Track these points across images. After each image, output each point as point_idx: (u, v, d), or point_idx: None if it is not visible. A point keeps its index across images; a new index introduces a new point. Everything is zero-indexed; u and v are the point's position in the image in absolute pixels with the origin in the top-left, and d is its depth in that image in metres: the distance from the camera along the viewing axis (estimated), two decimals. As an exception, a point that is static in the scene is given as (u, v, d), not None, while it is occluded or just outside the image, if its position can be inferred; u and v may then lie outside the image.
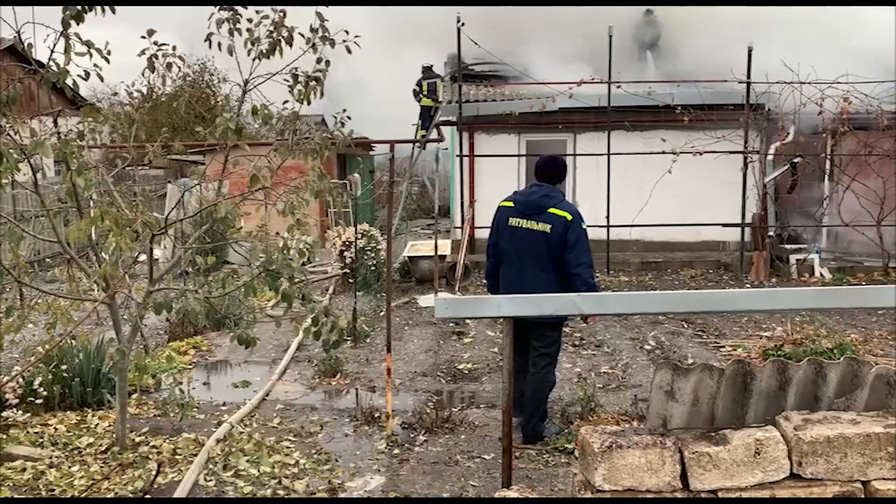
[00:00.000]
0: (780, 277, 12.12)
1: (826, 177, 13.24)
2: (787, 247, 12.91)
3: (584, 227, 5.16)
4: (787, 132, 12.36)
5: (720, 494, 2.48)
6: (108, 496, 4.50)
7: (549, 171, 5.37)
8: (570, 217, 5.12)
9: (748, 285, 11.64)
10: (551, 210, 5.17)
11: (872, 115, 11.84)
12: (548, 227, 5.13)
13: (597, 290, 5.26)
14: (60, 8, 4.29)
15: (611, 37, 12.16)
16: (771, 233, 12.80)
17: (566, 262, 5.09)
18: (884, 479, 2.50)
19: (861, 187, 12.32)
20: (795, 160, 12.78)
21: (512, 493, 2.67)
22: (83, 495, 4.48)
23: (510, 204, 5.39)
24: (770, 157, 12.64)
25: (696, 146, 11.85)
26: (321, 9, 4.99)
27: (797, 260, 12.34)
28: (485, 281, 6.14)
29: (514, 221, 5.29)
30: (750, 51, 12.03)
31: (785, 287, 10.84)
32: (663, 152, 11.89)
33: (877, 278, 11.90)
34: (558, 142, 13.79)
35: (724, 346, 8.08)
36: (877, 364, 2.85)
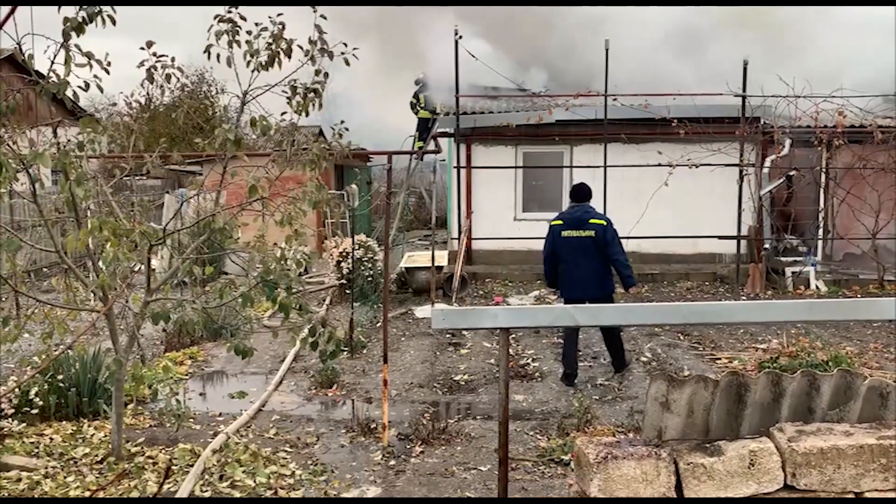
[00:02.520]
0: (776, 290, 12.15)
1: (821, 190, 13.31)
2: (783, 259, 12.96)
3: (614, 227, 7.24)
4: (782, 145, 12.42)
5: (715, 505, 2.49)
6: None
7: (582, 194, 7.44)
8: (605, 223, 7.22)
9: (744, 297, 11.67)
10: (591, 220, 7.21)
11: (867, 127, 11.91)
12: (592, 233, 7.15)
13: (631, 269, 7.33)
14: (61, 19, 4.32)
15: (607, 50, 12.24)
16: (766, 245, 12.84)
17: (609, 253, 7.14)
18: (877, 490, 2.51)
19: (856, 200, 12.39)
20: (791, 173, 12.85)
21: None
22: None
23: (560, 222, 7.37)
24: (766, 170, 12.70)
25: (693, 159, 11.91)
26: (320, 20, 5.04)
27: (793, 272, 12.38)
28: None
29: (566, 233, 7.26)
30: (745, 64, 12.11)
31: (780, 299, 10.87)
32: (659, 165, 11.94)
33: (872, 291, 11.94)
34: (555, 154, 13.86)
35: (719, 359, 8.10)
36: (871, 376, 2.87)
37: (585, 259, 7.15)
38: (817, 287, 12.15)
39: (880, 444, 2.51)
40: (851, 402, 2.71)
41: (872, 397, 2.71)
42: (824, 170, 13.15)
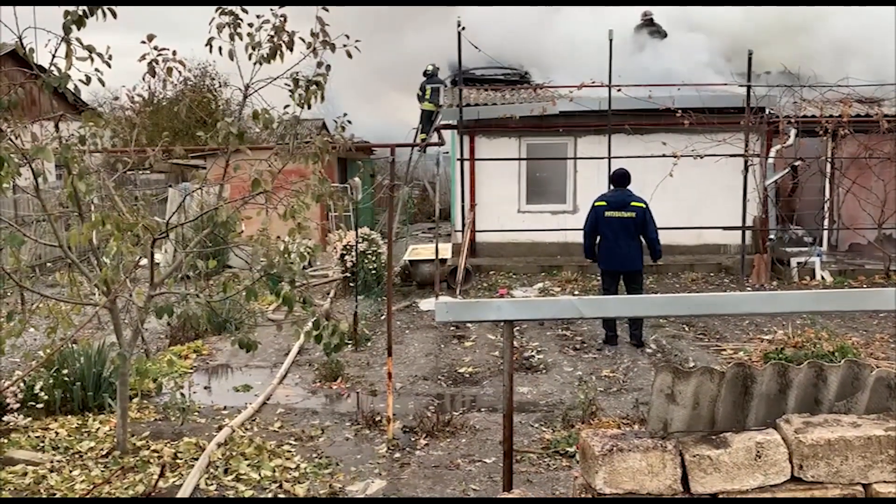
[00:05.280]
0: (782, 280, 12.11)
1: (827, 180, 13.24)
2: (788, 250, 12.92)
3: (650, 209, 8.18)
4: (787, 135, 12.36)
5: (721, 497, 2.47)
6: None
7: (623, 179, 8.32)
8: (644, 206, 8.13)
9: (749, 288, 11.64)
10: (632, 203, 8.09)
11: (873, 117, 11.84)
12: (633, 214, 8.05)
13: (660, 245, 8.30)
14: (62, 13, 4.31)
15: (611, 40, 12.18)
16: (772, 236, 12.79)
17: (647, 231, 8.09)
18: (885, 482, 2.49)
19: (862, 190, 12.32)
20: (796, 163, 12.78)
21: (513, 496, 2.67)
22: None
23: (604, 203, 8.23)
24: (771, 161, 12.64)
25: (697, 149, 11.85)
26: (322, 13, 5.01)
27: (798, 263, 12.33)
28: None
29: (609, 213, 8.10)
30: (750, 54, 12.04)
31: (786, 290, 10.84)
32: (664, 155, 11.89)
33: (878, 281, 11.89)
34: (559, 145, 13.80)
35: (725, 350, 8.08)
36: (878, 367, 2.85)
37: (626, 237, 8.07)
38: (823, 277, 12.10)
39: (888, 435, 2.49)
40: (859, 393, 2.69)
41: (880, 388, 2.69)
42: (830, 160, 13.08)
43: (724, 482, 2.46)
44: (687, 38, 15.15)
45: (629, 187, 8.28)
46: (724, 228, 12.64)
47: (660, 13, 16.09)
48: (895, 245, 12.61)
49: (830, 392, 2.70)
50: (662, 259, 8.53)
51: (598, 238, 8.25)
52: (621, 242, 8.08)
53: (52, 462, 5.01)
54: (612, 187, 8.42)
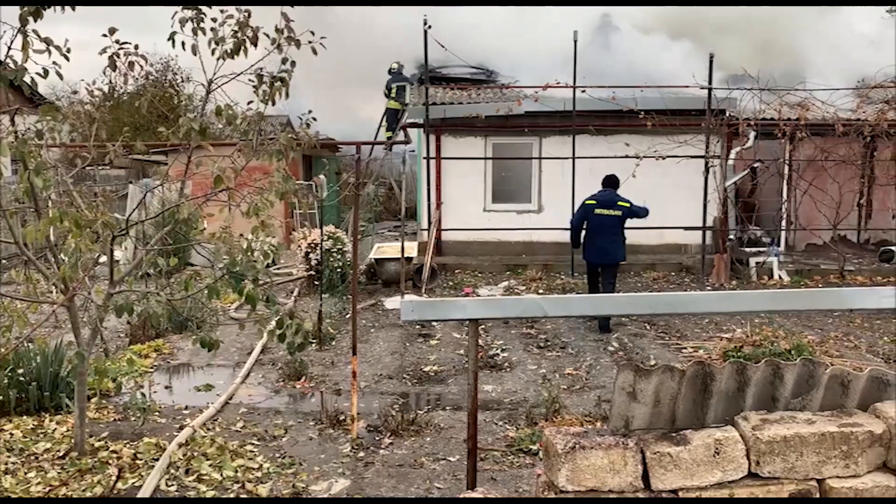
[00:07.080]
0: (741, 280, 12.35)
1: (785, 182, 13.53)
2: (747, 250, 13.17)
3: (635, 204, 9.06)
4: (746, 138, 12.60)
5: (681, 494, 2.51)
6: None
7: (612, 182, 9.21)
8: (629, 204, 9.02)
9: (709, 288, 11.84)
10: (619, 203, 8.99)
11: (829, 120, 12.13)
12: (619, 212, 8.96)
13: (646, 210, 9.22)
14: (18, 5, 4.21)
15: (576, 41, 12.28)
16: (731, 236, 13.03)
17: (638, 215, 9.05)
18: (838, 476, 2.56)
19: (818, 192, 12.62)
20: (755, 165, 13.04)
21: (476, 495, 2.69)
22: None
23: (593, 201, 9.08)
24: (731, 162, 12.87)
25: (659, 150, 12.02)
26: (286, 8, 4.96)
27: (757, 263, 12.59)
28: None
29: (597, 211, 8.98)
30: (711, 57, 12.24)
31: (744, 289, 11.06)
32: (627, 156, 12.04)
33: (832, 281, 12.19)
34: (524, 145, 13.88)
35: (685, 348, 8.21)
36: (832, 365, 2.92)
37: (612, 233, 8.92)
38: (780, 277, 12.37)
39: (841, 431, 2.56)
40: (814, 390, 2.76)
41: (834, 386, 2.76)
42: (787, 162, 13.37)
43: (683, 479, 2.51)
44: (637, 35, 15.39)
45: (616, 189, 9.15)
46: (686, 228, 12.84)
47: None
48: (849, 245, 12.93)
49: (787, 390, 2.76)
50: (625, 259, 9.34)
51: (584, 233, 9.09)
52: (606, 238, 8.92)
53: (6, 464, 4.89)
54: (601, 188, 9.24)
